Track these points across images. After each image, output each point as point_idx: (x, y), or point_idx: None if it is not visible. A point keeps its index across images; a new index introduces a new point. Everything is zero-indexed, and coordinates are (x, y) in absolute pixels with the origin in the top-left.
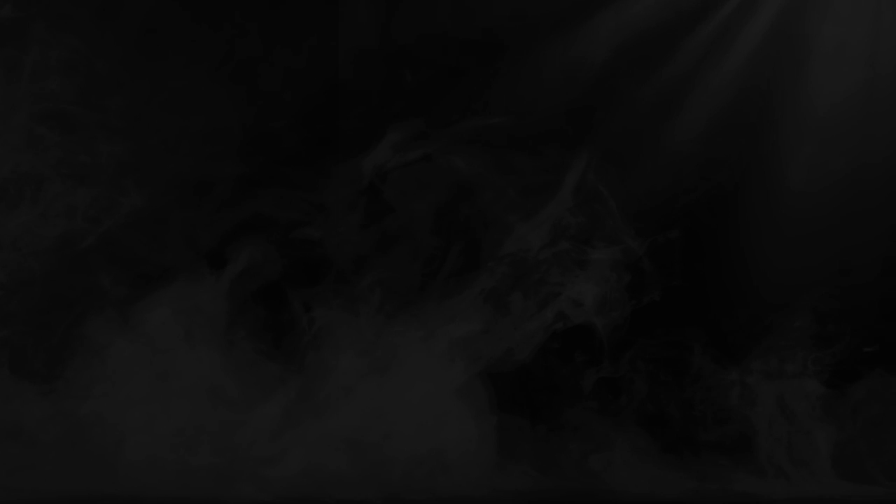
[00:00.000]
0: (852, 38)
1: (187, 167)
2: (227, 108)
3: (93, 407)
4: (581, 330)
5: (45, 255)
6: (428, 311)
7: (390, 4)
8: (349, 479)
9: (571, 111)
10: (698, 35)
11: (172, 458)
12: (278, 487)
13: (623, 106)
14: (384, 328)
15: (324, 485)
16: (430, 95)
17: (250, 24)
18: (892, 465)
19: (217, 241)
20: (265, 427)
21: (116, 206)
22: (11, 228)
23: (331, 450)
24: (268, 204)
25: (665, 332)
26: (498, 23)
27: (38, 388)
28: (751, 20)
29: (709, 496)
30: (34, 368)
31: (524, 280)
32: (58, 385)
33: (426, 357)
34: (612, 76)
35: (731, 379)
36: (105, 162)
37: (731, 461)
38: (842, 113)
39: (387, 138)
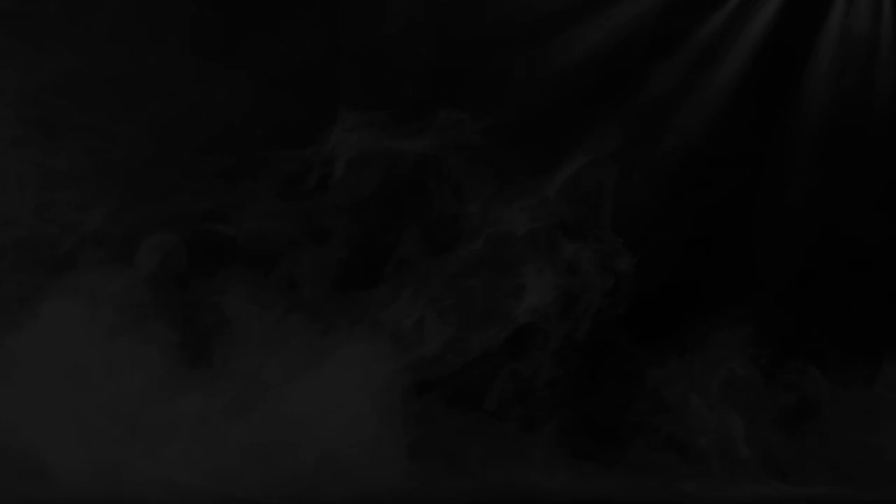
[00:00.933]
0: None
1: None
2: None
3: None
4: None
5: None
6: (359, 305)
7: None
8: (257, 481)
9: (568, 107)
10: (700, 33)
11: (78, 459)
12: (184, 489)
13: (623, 104)
14: (301, 325)
15: (230, 487)
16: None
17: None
18: (834, 465)
19: (130, 232)
20: (173, 427)
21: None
22: None
23: (239, 451)
24: (192, 194)
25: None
26: (500, 18)
27: None
28: (753, 18)
29: (640, 494)
30: None
31: (477, 274)
32: None
33: (348, 355)
34: (613, 73)
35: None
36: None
37: (663, 458)
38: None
39: (338, 125)
